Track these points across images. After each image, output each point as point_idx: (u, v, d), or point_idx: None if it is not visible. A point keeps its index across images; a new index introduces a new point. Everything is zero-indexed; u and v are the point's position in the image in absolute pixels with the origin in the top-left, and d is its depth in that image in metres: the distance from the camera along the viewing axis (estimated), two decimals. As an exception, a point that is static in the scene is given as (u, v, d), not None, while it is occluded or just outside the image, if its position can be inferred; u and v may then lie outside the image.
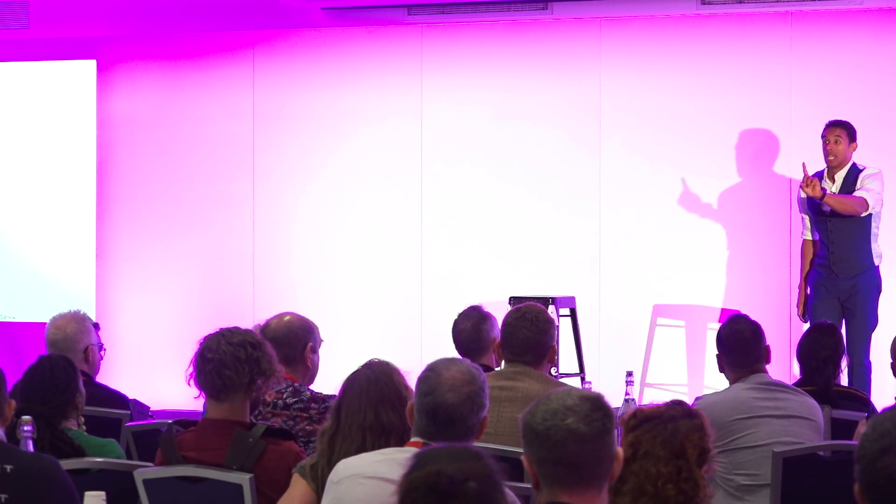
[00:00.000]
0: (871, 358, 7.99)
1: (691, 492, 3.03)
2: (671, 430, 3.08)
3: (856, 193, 8.02)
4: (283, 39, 10.00)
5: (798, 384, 5.94)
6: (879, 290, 8.09)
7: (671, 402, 3.18)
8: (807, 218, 8.26)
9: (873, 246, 8.08)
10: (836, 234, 8.07)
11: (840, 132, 8.15)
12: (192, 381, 4.17)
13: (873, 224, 8.07)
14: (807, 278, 8.24)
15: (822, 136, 8.20)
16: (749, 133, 9.24)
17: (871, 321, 8.04)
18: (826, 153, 8.16)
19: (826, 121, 8.30)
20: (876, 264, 8.08)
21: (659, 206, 9.34)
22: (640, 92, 9.40)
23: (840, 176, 8.14)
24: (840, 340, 6.14)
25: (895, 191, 8.61)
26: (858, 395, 6.19)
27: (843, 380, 6.35)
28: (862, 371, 7.93)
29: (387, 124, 9.81)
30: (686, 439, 3.07)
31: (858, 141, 8.21)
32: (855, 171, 8.13)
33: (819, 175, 8.11)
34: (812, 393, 5.73)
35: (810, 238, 8.26)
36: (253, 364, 4.12)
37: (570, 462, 2.81)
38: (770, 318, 8.89)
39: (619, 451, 2.90)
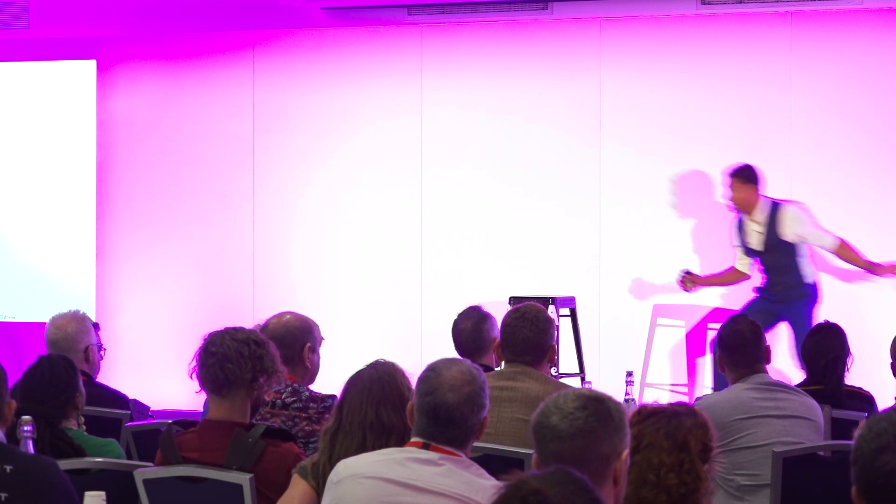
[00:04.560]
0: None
1: (693, 484, 3.05)
2: (675, 423, 3.12)
3: (813, 239, 8.49)
4: (283, 39, 10.01)
5: (803, 384, 5.94)
6: (815, 301, 8.49)
7: (675, 403, 3.21)
8: (738, 249, 8.67)
9: (805, 268, 8.50)
10: (768, 264, 8.55)
11: (733, 182, 8.58)
12: (194, 375, 4.18)
13: (801, 249, 8.49)
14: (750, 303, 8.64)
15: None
16: (749, 133, 9.24)
17: (808, 325, 8.35)
18: (731, 205, 8.60)
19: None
20: (808, 282, 8.50)
21: (659, 205, 9.34)
22: (640, 92, 9.40)
23: (761, 215, 8.51)
24: (845, 340, 6.16)
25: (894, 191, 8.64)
26: (863, 394, 6.18)
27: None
28: None
29: (387, 124, 9.81)
30: (689, 433, 3.10)
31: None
32: (775, 207, 8.52)
33: (740, 219, 8.60)
34: (820, 393, 5.74)
35: (740, 269, 8.69)
36: (256, 361, 4.13)
37: (554, 461, 2.81)
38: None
39: (625, 452, 2.89)
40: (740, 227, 8.61)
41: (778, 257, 8.49)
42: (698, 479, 3.07)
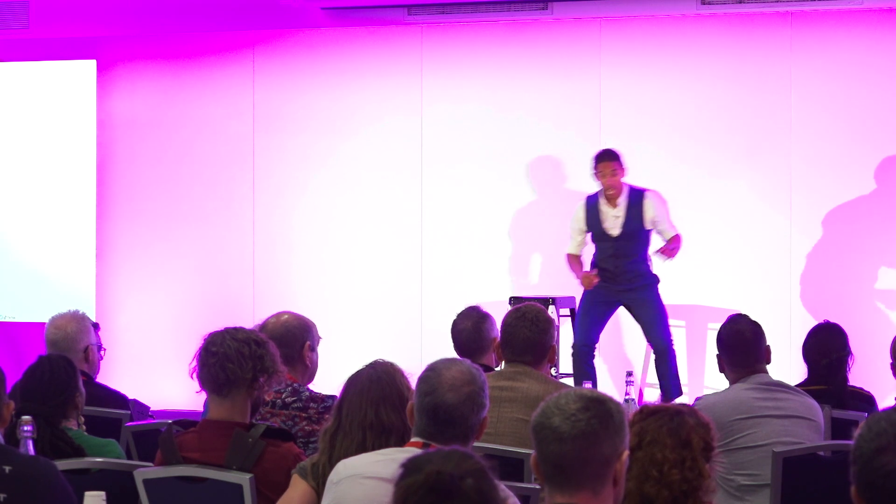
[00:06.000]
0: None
1: (695, 481, 3.08)
2: (678, 421, 3.16)
3: (662, 228, 8.44)
4: (283, 39, 10.00)
5: (805, 383, 5.94)
6: (657, 282, 8.50)
7: (676, 403, 3.23)
8: (581, 233, 8.53)
9: (648, 255, 8.50)
10: (621, 251, 8.44)
11: (617, 166, 8.41)
12: (194, 375, 4.18)
13: (650, 238, 8.49)
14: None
15: (596, 170, 8.44)
16: (749, 133, 9.24)
17: (662, 308, 8.46)
18: (607, 185, 8.41)
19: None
20: (653, 270, 8.51)
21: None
22: (639, 92, 9.40)
23: (623, 200, 8.43)
24: (846, 339, 6.15)
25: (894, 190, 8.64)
26: (864, 394, 6.19)
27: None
28: (672, 357, 8.41)
29: (387, 124, 9.81)
30: (692, 431, 3.14)
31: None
32: (638, 193, 8.46)
33: (594, 198, 8.48)
34: (824, 393, 5.74)
35: (575, 253, 8.58)
36: (256, 360, 4.13)
37: (554, 462, 2.81)
38: (770, 318, 8.90)
39: (625, 454, 2.89)
40: (594, 212, 8.47)
41: (632, 244, 8.46)
42: (700, 476, 3.09)
